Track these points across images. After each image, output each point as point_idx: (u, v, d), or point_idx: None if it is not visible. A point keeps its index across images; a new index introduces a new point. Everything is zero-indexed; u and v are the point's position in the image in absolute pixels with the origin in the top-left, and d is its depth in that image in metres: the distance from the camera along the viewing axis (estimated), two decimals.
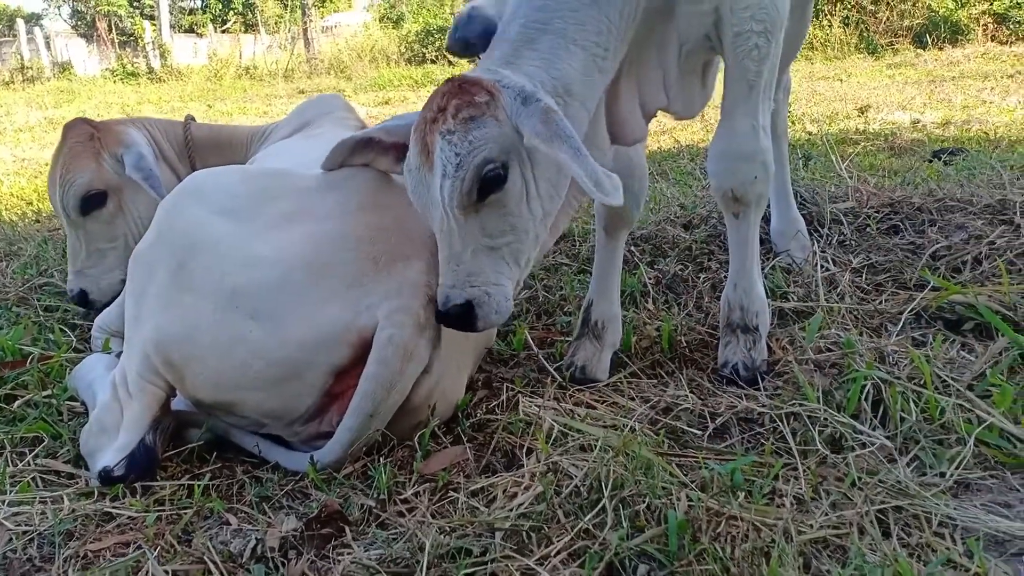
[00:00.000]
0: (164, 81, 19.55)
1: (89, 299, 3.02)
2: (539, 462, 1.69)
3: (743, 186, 2.14)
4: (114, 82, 19.90)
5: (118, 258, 3.04)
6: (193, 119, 3.41)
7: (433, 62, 17.39)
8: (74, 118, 3.17)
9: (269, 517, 1.68)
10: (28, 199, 6.30)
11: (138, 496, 1.77)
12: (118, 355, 2.49)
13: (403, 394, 1.83)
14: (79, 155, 3.01)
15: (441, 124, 1.68)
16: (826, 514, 1.53)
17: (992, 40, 12.99)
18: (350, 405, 1.79)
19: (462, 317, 1.73)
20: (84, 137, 3.05)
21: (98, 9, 34.74)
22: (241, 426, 1.96)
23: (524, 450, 1.82)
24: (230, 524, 1.65)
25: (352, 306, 1.81)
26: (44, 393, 2.26)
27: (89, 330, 2.77)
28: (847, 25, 13.71)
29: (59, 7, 46.28)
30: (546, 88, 1.77)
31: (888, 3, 13.83)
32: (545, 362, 2.34)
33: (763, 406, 1.99)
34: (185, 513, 1.70)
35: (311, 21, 20.67)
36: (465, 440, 1.92)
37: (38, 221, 5.27)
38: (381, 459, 1.80)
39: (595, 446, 1.72)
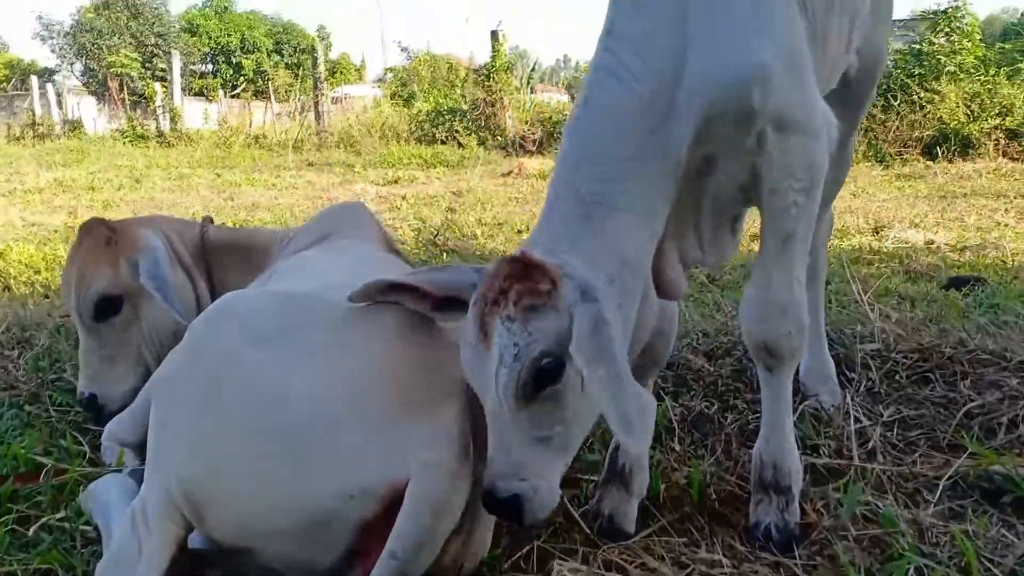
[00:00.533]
0: (173, 145, 19.80)
1: (98, 403, 2.96)
2: None
3: (776, 340, 2.11)
4: (124, 144, 20.14)
5: (129, 366, 2.99)
6: (211, 221, 3.38)
7: (443, 143, 17.63)
8: (92, 219, 3.14)
9: None
10: (36, 267, 6.27)
11: None
12: (131, 472, 2.43)
13: (434, 554, 1.74)
14: (96, 259, 2.98)
15: (502, 308, 1.66)
16: None
17: (1004, 156, 13.04)
18: (376, 565, 1.70)
19: (508, 508, 1.70)
20: (101, 241, 3.01)
21: (110, 69, 35.45)
22: (260, 573, 1.88)
23: None
24: None
25: (385, 455, 1.72)
26: (58, 516, 2.19)
27: (101, 435, 2.70)
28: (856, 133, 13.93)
29: (71, 64, 47.30)
30: (604, 267, 1.75)
31: (899, 112, 14.03)
32: (570, 506, 2.26)
33: None
34: None
35: (323, 95, 21.03)
36: None
37: (47, 297, 5.23)
38: None
39: None
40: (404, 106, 21.40)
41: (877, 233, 6.70)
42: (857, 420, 2.65)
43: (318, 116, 20.82)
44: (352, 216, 3.17)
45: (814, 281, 2.95)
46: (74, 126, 24.74)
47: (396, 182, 12.57)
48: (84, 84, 43.94)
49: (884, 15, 2.84)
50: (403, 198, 10.22)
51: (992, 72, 14.71)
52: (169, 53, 28.47)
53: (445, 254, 6.31)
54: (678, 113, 1.85)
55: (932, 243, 6.33)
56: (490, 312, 1.68)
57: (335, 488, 1.70)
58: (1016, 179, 10.77)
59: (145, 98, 25.87)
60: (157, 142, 20.40)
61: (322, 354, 1.88)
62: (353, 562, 1.76)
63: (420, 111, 19.72)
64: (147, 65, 40.00)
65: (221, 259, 3.22)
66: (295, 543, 1.74)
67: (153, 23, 45.41)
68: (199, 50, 49.69)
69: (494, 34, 19.32)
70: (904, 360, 3.04)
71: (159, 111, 23.04)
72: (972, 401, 2.71)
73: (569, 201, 1.83)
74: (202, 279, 3.17)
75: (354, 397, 1.78)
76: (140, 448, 2.51)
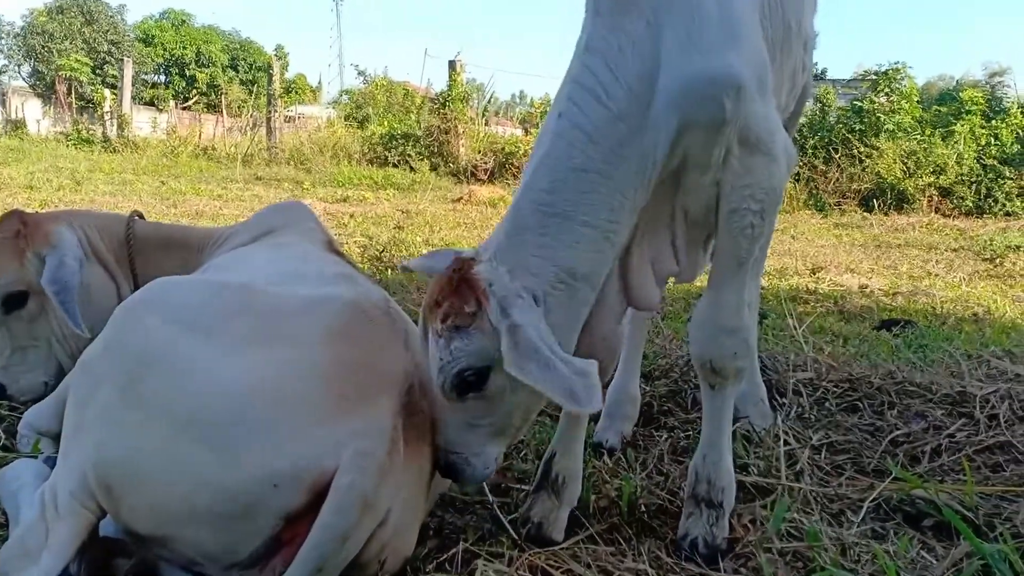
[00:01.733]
0: (119, 151, 19.41)
1: (7, 394, 2.85)
2: None
3: (723, 359, 2.14)
4: (67, 146, 19.69)
5: (39, 359, 2.90)
6: (140, 216, 3.25)
7: (395, 166, 17.62)
8: (11, 211, 3.03)
9: None
10: None
11: None
12: (46, 459, 2.33)
13: (357, 547, 1.71)
14: (3, 252, 2.86)
15: (436, 320, 1.84)
16: None
17: (936, 212, 13.74)
18: (298, 555, 1.64)
19: (447, 472, 1.95)
20: (11, 233, 2.90)
21: (60, 72, 34.73)
22: (175, 561, 1.81)
23: None
24: None
25: (313, 446, 1.68)
26: None
27: (17, 422, 2.59)
28: (798, 181, 14.38)
29: (19, 65, 46.16)
30: (546, 276, 1.84)
31: (839, 165, 14.59)
32: (499, 512, 2.24)
33: None
34: None
35: (276, 111, 20.87)
36: None
37: None
38: None
39: None
40: (358, 128, 21.35)
41: (814, 275, 6.87)
42: (787, 442, 2.69)
43: (270, 132, 20.64)
44: (295, 214, 3.07)
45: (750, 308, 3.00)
46: (16, 126, 24.12)
47: (345, 200, 12.50)
48: (31, 86, 42.93)
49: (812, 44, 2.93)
50: (351, 216, 10.16)
51: (928, 132, 15.39)
52: (121, 60, 28.03)
53: (390, 270, 6.27)
54: (651, 125, 1.88)
55: (866, 287, 6.50)
56: (430, 318, 1.85)
57: (257, 477, 1.65)
58: (947, 233, 11.18)
59: (93, 103, 25.41)
60: (102, 147, 19.98)
61: (253, 343, 1.84)
62: (274, 551, 1.71)
63: (374, 133, 19.70)
64: (98, 71, 39.28)
65: (149, 255, 3.08)
66: (214, 531, 1.68)
67: (107, 30, 44.71)
68: (153, 60, 49.00)
69: (452, 64, 19.47)
70: (834, 389, 3.10)
71: (107, 117, 22.61)
72: (898, 429, 2.77)
73: (526, 209, 1.89)
74: (126, 277, 3.06)
75: (282, 388, 1.74)
76: (59, 438, 2.41)
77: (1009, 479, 2.49)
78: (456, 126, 18.31)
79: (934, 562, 2.07)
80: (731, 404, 2.22)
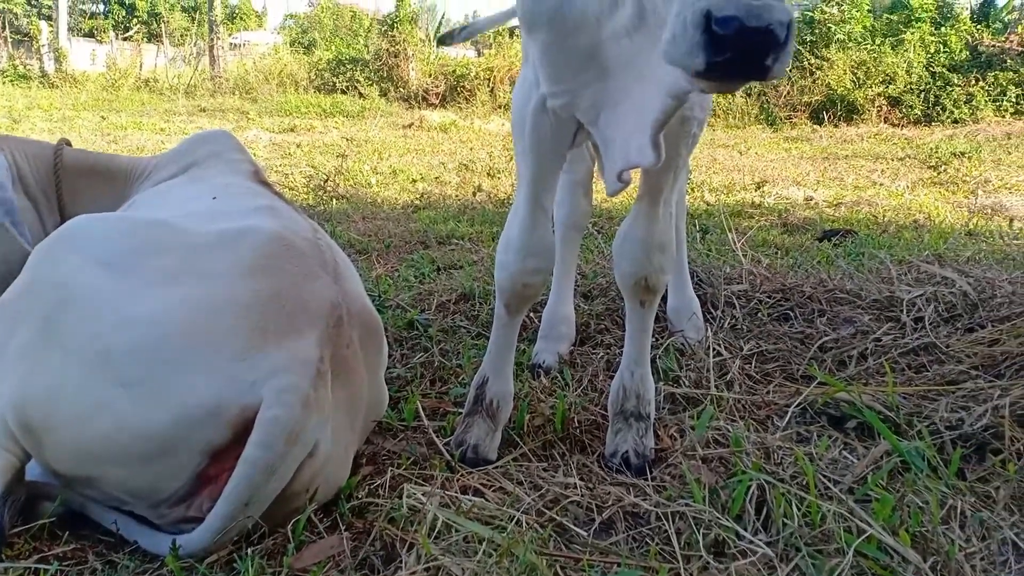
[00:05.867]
0: (57, 86, 18.73)
1: None
2: (419, 561, 1.62)
3: (655, 275, 2.16)
4: (3, 83, 18.94)
5: None
6: (68, 144, 3.14)
7: (343, 92, 17.22)
8: None
9: None
10: None
11: None
12: None
13: (284, 480, 1.71)
14: None
15: None
16: None
17: (885, 122, 13.85)
18: (224, 490, 1.65)
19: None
20: None
21: None
22: (101, 501, 1.81)
23: (406, 545, 1.73)
24: None
25: (235, 381, 1.68)
26: None
27: None
28: (749, 96, 14.34)
29: None
30: None
31: (789, 78, 14.54)
32: (435, 437, 2.27)
33: (650, 502, 1.97)
34: None
35: (218, 38, 20.18)
36: (343, 528, 1.82)
37: None
38: (249, 549, 1.68)
39: (480, 543, 1.66)
40: (304, 54, 20.75)
41: (759, 189, 6.90)
42: (718, 353, 2.73)
43: (213, 61, 20.00)
44: (218, 144, 2.96)
45: (676, 220, 3.01)
46: None
47: (292, 130, 12.23)
48: None
49: None
50: (297, 146, 9.96)
51: (878, 42, 15.34)
52: None
53: (335, 200, 6.19)
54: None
55: (811, 199, 6.56)
56: None
57: (176, 415, 1.64)
58: (895, 143, 11.27)
59: (29, 37, 24.29)
60: (40, 83, 19.26)
61: (172, 279, 1.81)
62: (200, 487, 1.72)
63: (321, 59, 19.17)
64: (33, 2, 37.51)
65: (75, 184, 2.96)
66: (137, 470, 1.68)
67: None
68: None
69: None
70: (767, 299, 3.14)
71: (44, 51, 21.69)
72: (827, 336, 2.82)
73: None
74: (52, 206, 2.97)
75: (199, 324, 1.72)
76: None
77: (932, 379, 2.56)
78: (405, 49, 17.89)
79: (855, 461, 2.14)
80: (653, 318, 2.24)
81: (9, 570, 1.64)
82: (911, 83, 14.56)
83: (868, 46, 15.25)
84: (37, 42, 22.39)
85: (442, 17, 25.00)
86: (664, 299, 3.12)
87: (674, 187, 2.16)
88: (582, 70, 1.84)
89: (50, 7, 29.47)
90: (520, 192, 2.17)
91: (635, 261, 2.16)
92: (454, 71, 17.65)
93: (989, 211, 6.18)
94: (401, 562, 1.67)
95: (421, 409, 2.40)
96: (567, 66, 1.86)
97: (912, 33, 15.43)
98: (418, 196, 6.73)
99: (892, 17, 16.98)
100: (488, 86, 17.05)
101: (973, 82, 14.73)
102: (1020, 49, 15.16)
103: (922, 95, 14.48)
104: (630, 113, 1.75)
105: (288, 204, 2.46)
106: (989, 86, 14.68)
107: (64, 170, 2.94)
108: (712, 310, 3.12)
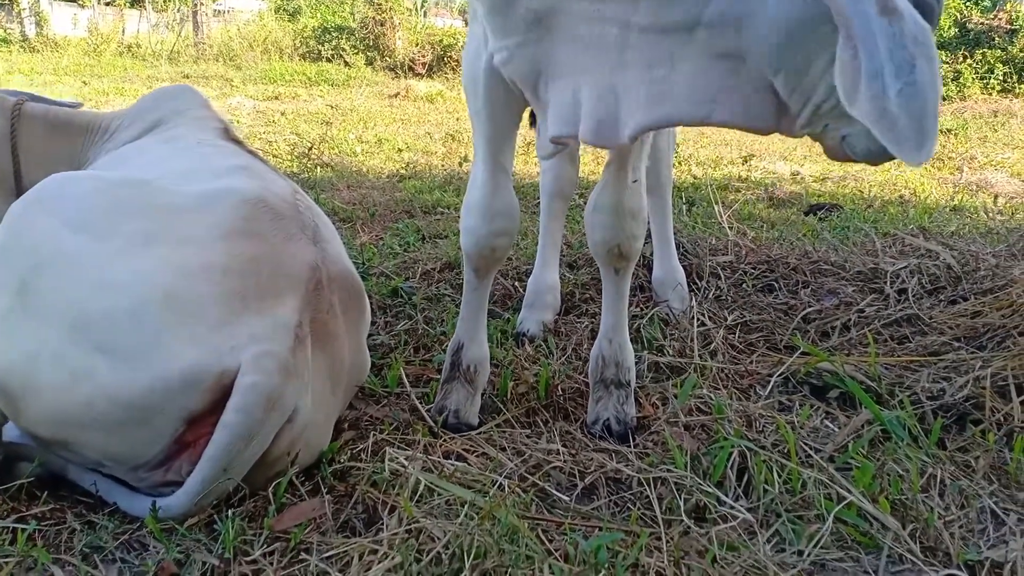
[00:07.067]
0: (38, 51, 18.42)
1: None
2: (401, 524, 1.61)
3: (628, 241, 2.15)
4: None
5: None
6: (31, 97, 2.99)
7: (329, 60, 17.02)
8: None
9: (99, 572, 1.53)
10: None
11: None
12: None
13: (263, 446, 1.70)
14: None
15: None
16: None
17: None
18: (203, 456, 1.63)
19: None
20: None
21: None
22: (80, 463, 1.79)
23: (387, 508, 1.73)
24: None
25: (213, 348, 1.65)
26: None
27: None
28: None
29: None
30: None
31: None
32: (418, 403, 2.26)
33: (632, 467, 1.97)
34: (6, 563, 1.53)
35: (202, 4, 19.88)
36: (325, 491, 1.82)
37: None
38: (230, 511, 1.67)
39: (462, 507, 1.66)
40: (289, 21, 20.48)
41: (747, 163, 6.89)
42: (702, 323, 2.74)
43: (197, 27, 19.69)
44: (183, 101, 2.83)
45: (661, 191, 3.01)
46: None
47: (276, 98, 12.09)
48: None
49: None
50: (282, 114, 9.85)
51: None
52: None
53: (319, 168, 6.13)
54: None
55: (797, 174, 6.56)
56: None
57: (153, 382, 1.62)
58: None
59: (9, 1, 23.86)
60: (20, 47, 18.93)
61: (148, 242, 1.77)
62: (179, 452, 1.70)
63: (306, 27, 18.92)
64: None
65: (31, 138, 2.86)
66: (115, 435, 1.66)
67: None
68: None
69: None
70: (752, 270, 3.15)
71: (24, 14, 21.31)
72: (811, 307, 2.83)
73: None
74: (5, 159, 2.88)
75: (176, 290, 1.69)
76: None
77: (914, 350, 2.58)
78: (392, 17, 17.67)
79: (836, 430, 2.15)
80: (628, 285, 2.24)
81: None
82: None
83: None
84: (18, 5, 21.97)
85: None
86: (649, 269, 3.12)
87: (643, 154, 2.14)
88: (530, 28, 1.74)
89: None
90: (478, 154, 2.14)
91: (607, 228, 2.14)
92: (441, 40, 17.49)
93: (974, 187, 6.20)
94: (383, 524, 1.66)
95: (404, 376, 2.40)
96: (515, 22, 1.76)
97: None
98: (404, 165, 6.68)
99: None
100: None
101: (961, 59, 14.73)
102: (1008, 27, 15.16)
103: None
104: (593, 85, 1.68)
105: (263, 163, 2.40)
106: (977, 63, 14.69)
107: (22, 119, 2.84)
108: (697, 281, 3.12)
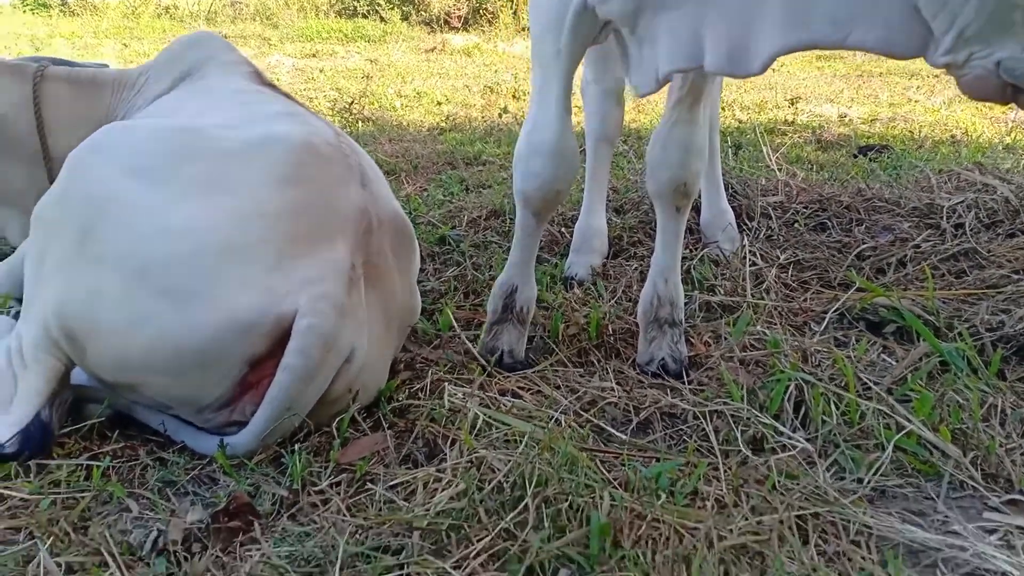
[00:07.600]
0: (78, 15, 18.54)
1: None
2: (462, 455, 1.64)
3: (693, 179, 2.14)
4: (24, 12, 18.84)
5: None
6: (54, 61, 2.97)
7: (364, 16, 16.90)
8: None
9: (173, 505, 1.59)
10: None
11: (32, 476, 1.65)
12: (16, 315, 2.33)
13: (323, 386, 1.74)
14: None
15: None
16: (746, 518, 1.52)
17: None
18: (266, 396, 1.68)
19: None
20: None
21: None
22: (146, 404, 1.85)
23: (448, 441, 1.76)
24: (131, 511, 1.55)
25: (270, 292, 1.68)
26: None
27: None
28: None
29: None
30: None
31: None
32: (470, 345, 2.28)
33: (687, 402, 1.98)
34: (82, 497, 1.59)
35: None
36: (386, 427, 1.85)
37: None
38: (296, 446, 1.72)
39: (520, 440, 1.69)
40: None
41: (793, 105, 6.75)
42: (753, 263, 2.71)
43: None
44: (208, 48, 2.77)
45: (710, 132, 2.96)
46: None
47: (314, 55, 12.04)
48: None
49: None
50: (321, 71, 9.82)
51: None
52: None
53: (360, 123, 6.14)
54: None
55: (845, 116, 6.40)
56: None
57: (216, 324, 1.65)
58: None
59: None
60: (60, 11, 19.10)
61: (205, 188, 1.79)
62: (242, 393, 1.74)
63: None
64: None
65: (56, 96, 2.85)
66: (179, 378, 1.70)
67: None
68: None
69: None
70: (804, 210, 3.10)
71: None
72: (865, 244, 2.79)
73: None
74: (32, 123, 2.89)
75: (234, 235, 1.71)
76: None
77: (972, 284, 2.53)
78: None
79: (893, 363, 2.14)
80: (685, 224, 2.23)
81: (63, 466, 1.68)
82: None
83: None
84: None
85: None
86: (697, 211, 3.09)
87: (709, 95, 2.12)
88: None
89: None
90: (548, 97, 2.10)
91: (674, 166, 2.13)
92: None
93: None
94: (444, 456, 1.69)
95: (454, 320, 2.42)
96: None
97: None
98: (443, 118, 6.65)
99: None
100: (511, 8, 16.64)
101: None
102: None
103: None
104: (721, 14, 1.67)
105: (303, 106, 2.41)
106: None
107: (45, 82, 2.85)
108: (748, 221, 3.08)
